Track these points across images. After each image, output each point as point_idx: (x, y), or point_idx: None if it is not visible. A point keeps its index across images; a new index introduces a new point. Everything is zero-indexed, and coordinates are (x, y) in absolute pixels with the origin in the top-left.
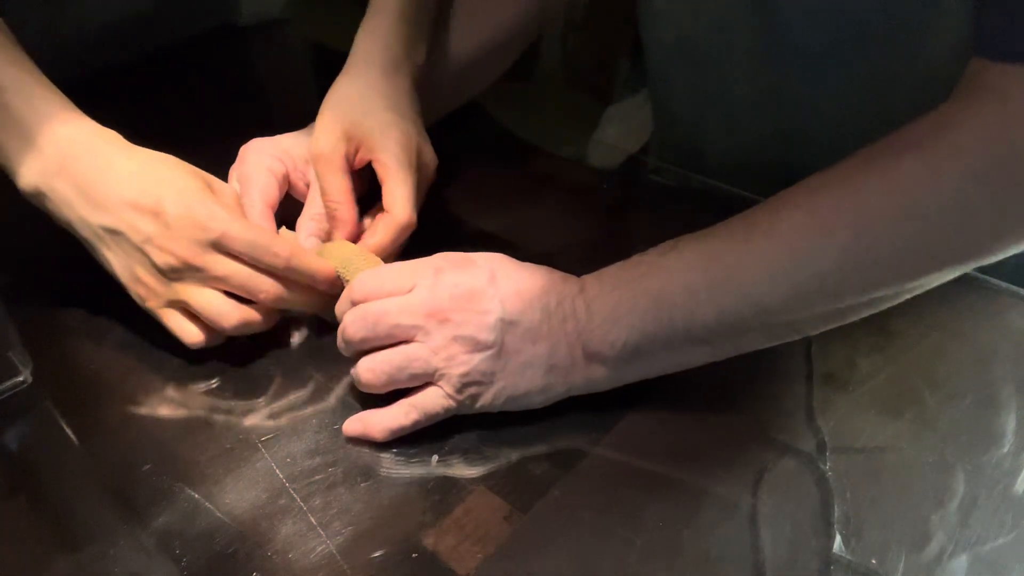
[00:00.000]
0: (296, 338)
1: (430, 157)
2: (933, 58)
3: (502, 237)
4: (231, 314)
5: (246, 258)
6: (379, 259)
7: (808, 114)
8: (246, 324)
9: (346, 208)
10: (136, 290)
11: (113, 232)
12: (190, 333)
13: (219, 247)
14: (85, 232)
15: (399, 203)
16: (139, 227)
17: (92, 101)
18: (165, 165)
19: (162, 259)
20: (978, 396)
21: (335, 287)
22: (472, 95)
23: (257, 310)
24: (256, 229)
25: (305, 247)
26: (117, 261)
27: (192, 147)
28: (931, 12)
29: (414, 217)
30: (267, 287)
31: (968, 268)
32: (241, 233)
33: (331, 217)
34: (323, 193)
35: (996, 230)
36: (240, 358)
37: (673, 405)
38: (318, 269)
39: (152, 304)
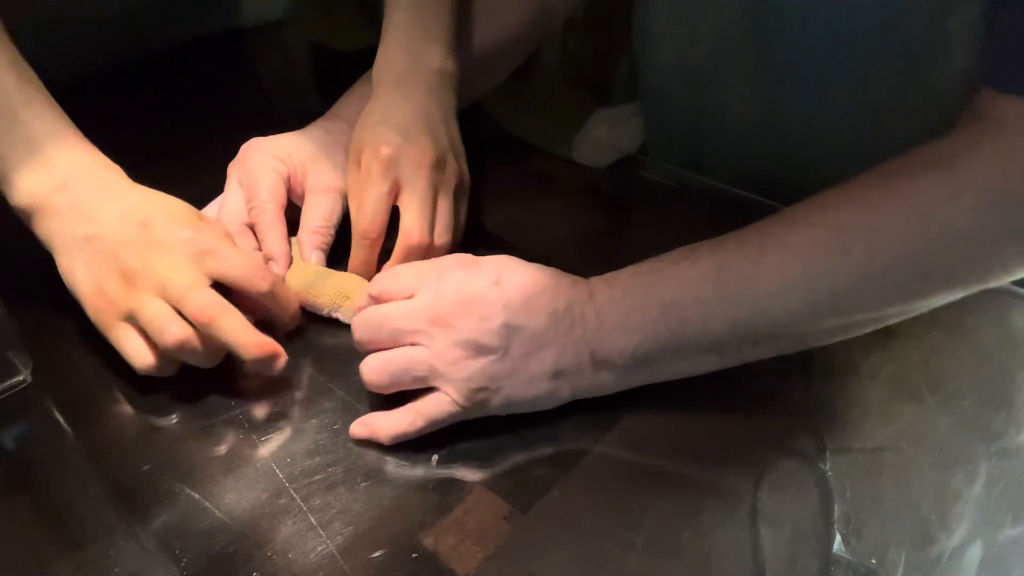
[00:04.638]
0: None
1: (452, 170)
2: (939, 88)
3: (502, 236)
4: (173, 328)
5: (231, 279)
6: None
7: (808, 139)
8: (186, 345)
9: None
10: (94, 302)
11: (89, 239)
12: (139, 352)
13: (204, 265)
14: (62, 242)
15: (355, 215)
16: (121, 232)
17: (94, 101)
18: (164, 198)
19: (131, 260)
20: (978, 396)
21: (297, 320)
22: (475, 99)
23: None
24: (245, 256)
25: (311, 261)
26: (83, 271)
27: (193, 147)
28: (937, 43)
29: (367, 226)
30: (203, 311)
31: (980, 289)
32: (229, 253)
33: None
34: (352, 222)
35: (1011, 255)
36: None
37: (673, 405)
38: (290, 304)
39: (106, 318)
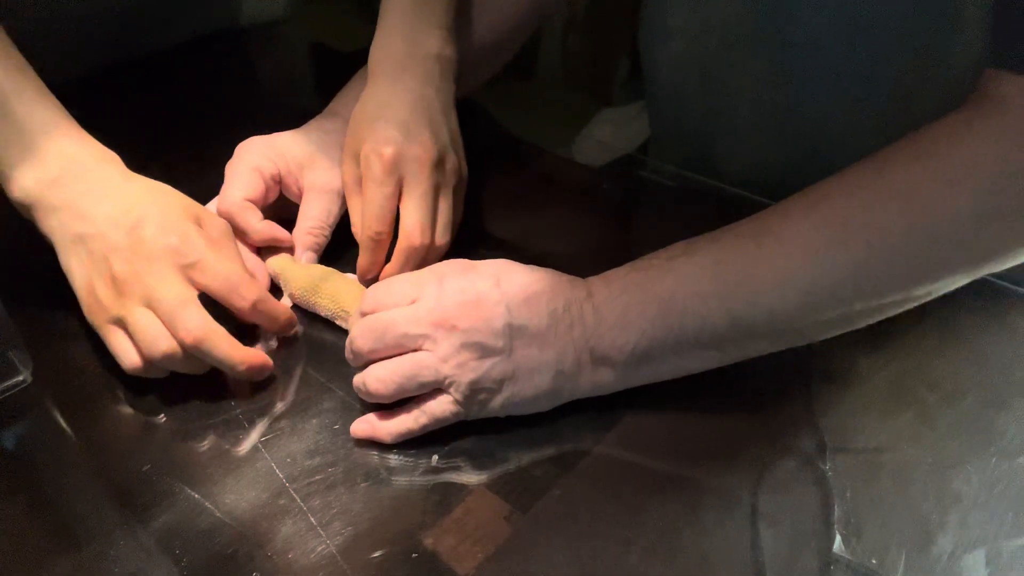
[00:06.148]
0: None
1: (451, 166)
2: (952, 82)
3: (502, 237)
4: (161, 342)
5: (213, 292)
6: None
7: (818, 136)
8: (172, 357)
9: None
10: (87, 301)
11: (83, 238)
12: (129, 355)
13: (189, 276)
14: (60, 239)
15: (359, 217)
16: (111, 237)
17: (94, 100)
18: (158, 192)
19: (121, 268)
20: (978, 396)
21: (291, 329)
22: (472, 88)
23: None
24: (231, 269)
25: (301, 260)
26: (78, 270)
27: (193, 147)
28: (951, 32)
29: (376, 228)
30: (191, 332)
31: (980, 275)
32: (214, 266)
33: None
34: (353, 223)
35: (1009, 240)
36: None
37: (673, 405)
38: (281, 314)
39: (98, 319)
